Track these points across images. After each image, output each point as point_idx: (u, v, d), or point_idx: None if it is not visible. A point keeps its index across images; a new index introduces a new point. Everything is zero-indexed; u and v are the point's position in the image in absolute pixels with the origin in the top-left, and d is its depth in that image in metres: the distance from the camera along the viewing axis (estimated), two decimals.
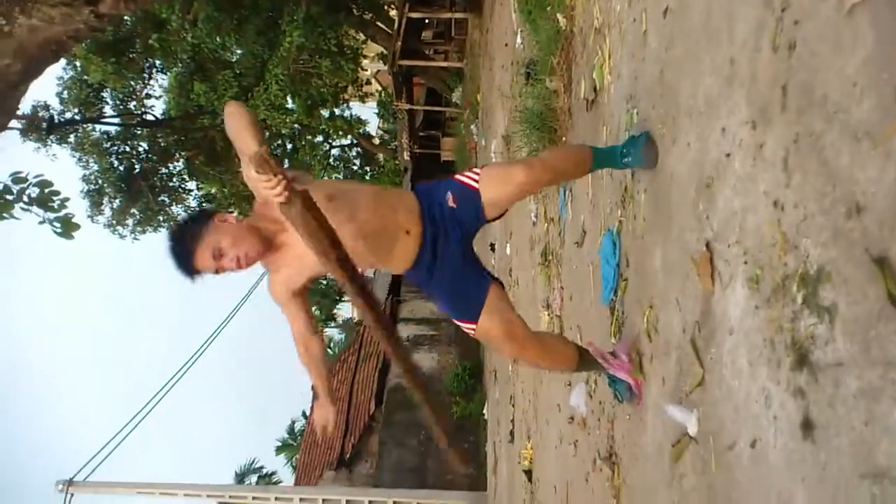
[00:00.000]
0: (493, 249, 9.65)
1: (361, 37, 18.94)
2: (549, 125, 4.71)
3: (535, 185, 2.57)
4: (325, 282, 34.17)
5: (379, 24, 17.91)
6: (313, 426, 2.69)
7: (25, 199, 5.89)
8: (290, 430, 28.32)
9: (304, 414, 26.59)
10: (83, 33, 4.49)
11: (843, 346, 1.31)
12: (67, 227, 6.00)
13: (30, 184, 5.95)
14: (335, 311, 35.20)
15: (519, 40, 6.86)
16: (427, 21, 17.79)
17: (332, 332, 34.90)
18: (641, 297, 2.65)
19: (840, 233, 1.34)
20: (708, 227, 2.00)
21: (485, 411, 10.52)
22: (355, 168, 25.03)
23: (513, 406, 7.35)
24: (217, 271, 2.31)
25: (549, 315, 4.86)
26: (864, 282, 1.26)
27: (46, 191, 5.99)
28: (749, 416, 1.68)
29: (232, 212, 2.50)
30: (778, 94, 1.62)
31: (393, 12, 17.90)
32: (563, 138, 4.62)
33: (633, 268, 2.80)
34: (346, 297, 36.10)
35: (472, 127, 13.43)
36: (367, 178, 26.00)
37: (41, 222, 6.00)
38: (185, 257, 2.28)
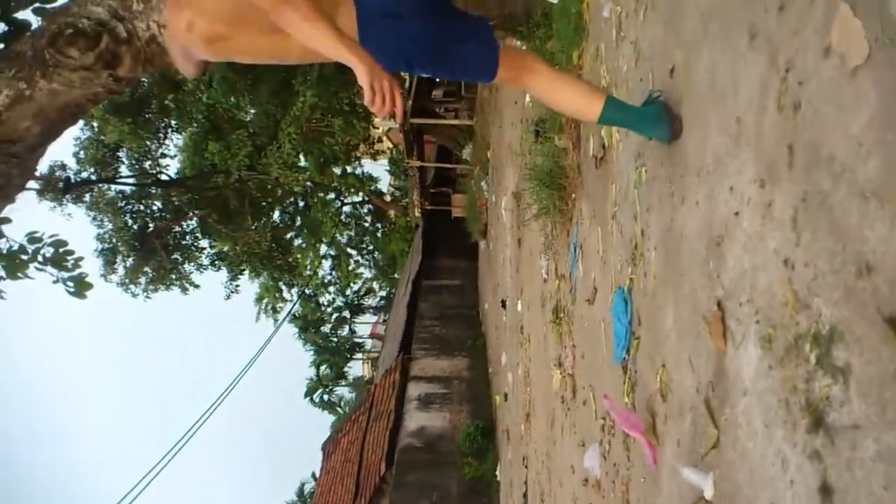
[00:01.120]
0: (504, 306, 9.61)
1: None
2: (559, 182, 4.74)
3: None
4: (335, 339, 34.10)
5: None
6: (370, 102, 2.05)
7: (40, 258, 5.96)
8: (300, 493, 27.94)
9: (313, 475, 26.24)
10: (102, 96, 4.56)
11: (858, 407, 1.29)
12: (80, 287, 6.05)
13: (45, 243, 6.03)
14: (346, 368, 35.01)
15: (528, 99, 6.95)
16: (437, 80, 18.08)
17: (343, 391, 34.67)
18: (654, 355, 2.62)
19: (851, 292, 1.33)
20: (719, 285, 1.99)
21: (497, 472, 10.34)
22: (367, 225, 25.21)
23: (525, 467, 7.22)
24: None
25: (561, 374, 4.82)
26: (878, 342, 1.24)
27: (61, 250, 6.06)
28: (766, 480, 1.65)
29: None
30: (784, 153, 1.63)
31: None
32: (573, 195, 4.64)
33: (645, 326, 2.78)
34: (357, 355, 35.97)
35: (483, 184, 13.53)
36: (379, 235, 26.16)
37: (55, 282, 6.06)
38: None
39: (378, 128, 23.96)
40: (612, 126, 2.90)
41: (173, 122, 18.33)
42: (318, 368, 33.32)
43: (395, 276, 27.79)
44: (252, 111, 17.04)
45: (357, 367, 38.09)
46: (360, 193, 23.78)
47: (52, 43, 4.11)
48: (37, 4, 5.05)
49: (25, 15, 5.02)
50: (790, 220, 1.60)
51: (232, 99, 15.92)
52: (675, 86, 2.48)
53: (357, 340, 35.38)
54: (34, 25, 4.80)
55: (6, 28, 4.85)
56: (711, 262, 2.05)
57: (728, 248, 1.94)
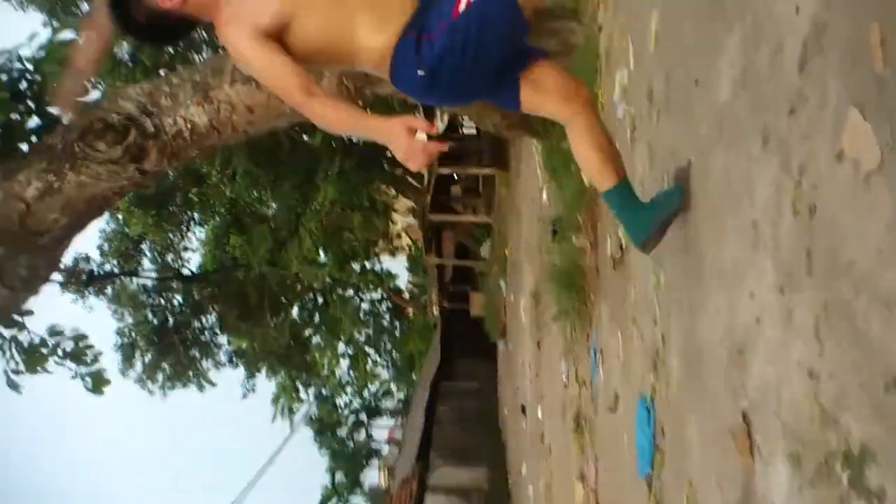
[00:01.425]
0: (524, 412, 9.39)
1: (392, 192, 19.57)
2: (578, 283, 4.70)
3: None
4: (351, 444, 33.44)
5: (409, 179, 18.55)
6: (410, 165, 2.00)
7: (60, 352, 5.97)
8: None
9: None
10: (128, 189, 4.67)
11: None
12: (98, 383, 6.03)
13: (65, 337, 6.05)
14: (361, 475, 34.18)
15: (545, 196, 7.00)
16: (456, 177, 18.39)
17: (358, 501, 33.72)
18: (679, 471, 2.50)
19: (880, 408, 1.25)
20: (743, 396, 1.90)
21: None
22: (385, 323, 25.13)
23: None
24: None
25: (584, 488, 4.63)
26: None
27: (81, 344, 6.07)
28: None
29: None
30: (803, 259, 1.59)
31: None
32: (591, 296, 4.59)
33: (669, 438, 2.67)
34: (373, 462, 35.17)
35: (501, 282, 13.52)
36: (397, 334, 26.01)
37: (73, 377, 6.05)
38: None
39: (397, 223, 24.26)
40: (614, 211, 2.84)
41: (196, 215, 18.64)
42: (332, 475, 32.53)
43: (414, 376, 27.49)
44: (274, 205, 17.32)
45: (373, 476, 37.19)
46: (379, 290, 23.83)
47: (83, 136, 4.24)
48: None
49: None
50: (812, 329, 1.53)
51: (255, 192, 16.21)
52: (690, 187, 2.46)
53: (374, 447, 34.67)
54: (65, 119, 4.97)
55: (39, 121, 5.01)
56: (734, 371, 1.97)
57: (751, 358, 1.86)
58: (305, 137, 13.78)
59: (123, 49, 14.52)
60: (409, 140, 1.96)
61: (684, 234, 2.50)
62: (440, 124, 17.29)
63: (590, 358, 4.56)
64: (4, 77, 4.74)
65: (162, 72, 14.08)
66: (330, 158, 14.40)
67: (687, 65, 2.50)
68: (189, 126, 4.25)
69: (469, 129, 16.98)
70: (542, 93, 2.23)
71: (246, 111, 4.26)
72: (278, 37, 2.02)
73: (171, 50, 14.90)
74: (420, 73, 2.06)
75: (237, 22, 2.03)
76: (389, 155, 18.07)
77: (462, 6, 2.01)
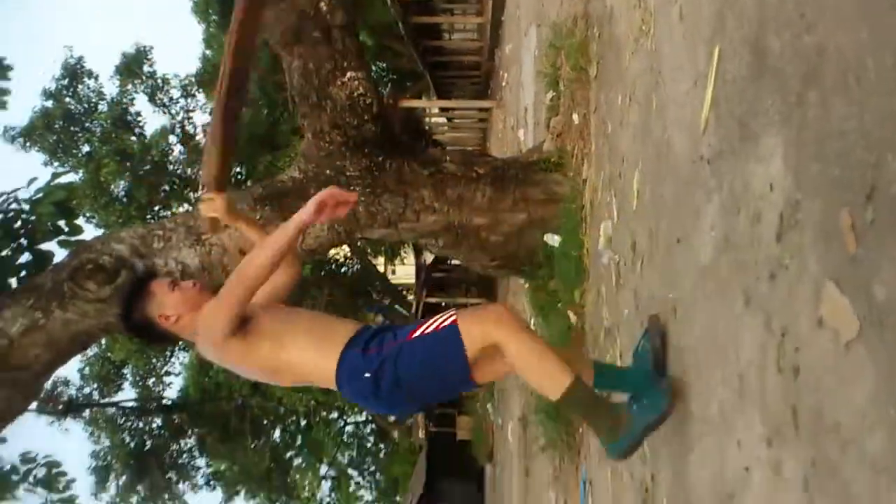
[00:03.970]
0: None
1: (380, 319, 19.59)
2: (565, 417, 4.70)
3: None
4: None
5: (398, 307, 18.65)
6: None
7: (31, 479, 5.83)
8: None
9: None
10: (113, 326, 4.69)
11: None
12: None
13: (38, 464, 5.92)
14: None
15: (532, 322, 7.05)
16: (444, 305, 18.50)
17: None
18: None
19: None
20: None
21: None
22: (369, 445, 24.57)
23: None
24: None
25: None
26: None
27: (53, 472, 5.93)
28: None
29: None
30: (789, 415, 1.64)
31: (411, 297, 18.73)
32: (580, 428, 4.57)
33: None
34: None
35: (489, 406, 13.38)
36: (382, 456, 25.38)
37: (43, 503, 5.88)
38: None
39: None
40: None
41: (180, 342, 18.50)
42: None
43: (398, 499, 26.60)
44: None
45: None
46: (364, 413, 23.43)
47: (73, 276, 4.30)
48: (61, 237, 5.33)
49: (50, 246, 5.28)
50: (801, 483, 1.57)
51: None
52: (673, 334, 2.54)
53: None
54: (56, 256, 5.03)
55: (30, 257, 5.07)
56: None
57: None
58: None
59: (120, 186, 14.87)
60: (319, 198, 2.31)
61: (673, 379, 2.55)
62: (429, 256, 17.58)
63: (580, 490, 4.50)
64: (0, 216, 4.85)
65: (157, 208, 14.37)
66: (319, 287, 14.56)
67: (669, 223, 2.63)
68: (180, 268, 4.33)
69: (457, 261, 17.27)
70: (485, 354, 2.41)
71: (238, 254, 4.36)
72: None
73: (166, 188, 15.28)
74: (366, 375, 2.37)
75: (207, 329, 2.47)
76: (377, 284, 18.36)
77: (417, 332, 2.38)
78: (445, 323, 2.36)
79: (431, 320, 2.40)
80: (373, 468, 27.06)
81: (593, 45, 4.43)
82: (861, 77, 1.39)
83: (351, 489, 28.16)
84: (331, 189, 2.35)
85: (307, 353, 2.43)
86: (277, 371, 2.49)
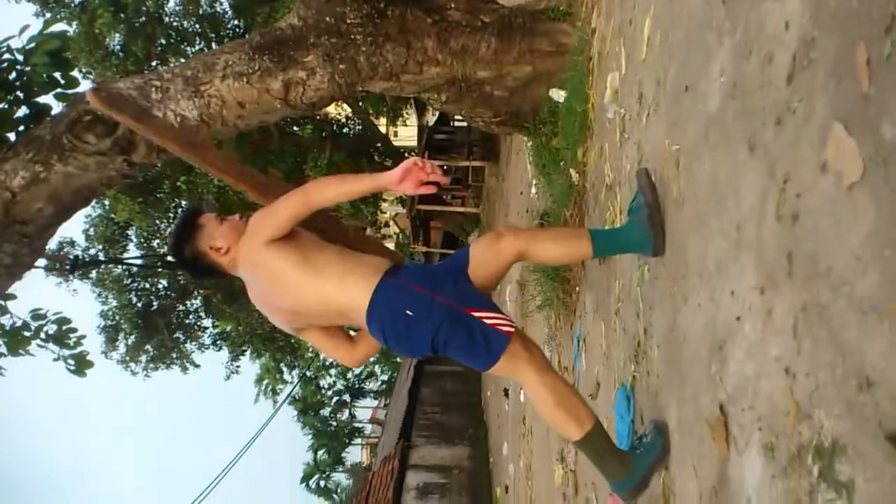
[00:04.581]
0: (506, 395, 9.51)
1: None
2: (563, 275, 4.77)
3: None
4: (334, 423, 33.40)
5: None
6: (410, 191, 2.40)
7: (43, 335, 5.98)
8: None
9: None
10: (115, 180, 4.68)
11: None
12: (81, 365, 6.04)
13: (48, 321, 6.06)
14: (344, 454, 34.28)
15: (534, 191, 7.07)
16: (445, 168, 18.43)
17: (340, 478, 33.85)
18: None
19: (853, 406, 1.33)
20: (721, 389, 1.98)
21: None
22: None
23: None
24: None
25: (563, 468, 4.73)
26: (881, 459, 1.24)
27: (64, 328, 6.08)
28: None
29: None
30: (784, 262, 1.66)
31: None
32: (577, 288, 4.66)
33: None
34: (356, 440, 35.22)
35: None
36: None
37: (56, 359, 6.06)
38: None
39: (385, 213, 24.23)
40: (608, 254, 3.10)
41: (184, 203, 18.58)
42: (315, 453, 32.63)
43: (398, 359, 27.53)
44: None
45: (356, 453, 37.30)
46: None
47: (71, 128, 4.24)
48: (58, 90, 5.22)
49: (47, 99, 5.19)
50: (791, 329, 1.61)
51: None
52: (675, 186, 2.54)
53: (356, 425, 34.76)
54: (55, 110, 4.95)
55: (27, 111, 5.00)
56: (714, 365, 2.05)
57: (730, 353, 1.94)
58: (296, 129, 13.76)
59: (115, 39, 14.40)
60: (406, 166, 2.33)
61: (670, 233, 2.58)
62: (431, 118, 17.29)
63: (573, 346, 4.65)
64: None
65: (154, 63, 13.99)
66: (319, 149, 14.42)
67: (678, 71, 2.55)
68: (179, 120, 4.25)
69: (460, 121, 17.01)
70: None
71: (237, 106, 4.27)
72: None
73: (162, 41, 14.79)
74: (409, 312, 2.42)
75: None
76: (380, 146, 18.19)
77: (477, 314, 2.42)
78: (502, 329, 2.41)
79: (495, 313, 2.43)
80: None
81: None
82: None
83: None
84: (422, 160, 2.35)
85: (337, 274, 2.46)
86: (298, 293, 2.50)
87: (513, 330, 2.43)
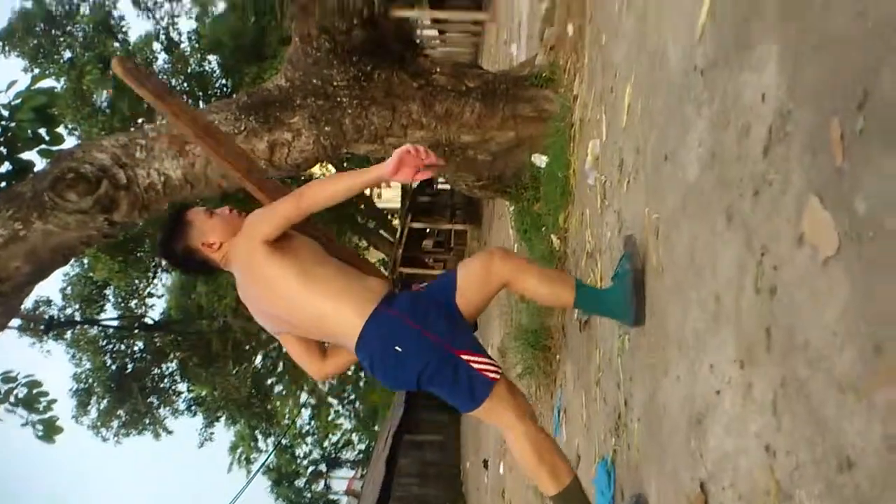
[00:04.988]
0: (486, 467, 9.33)
1: (364, 243, 19.60)
2: (544, 343, 4.73)
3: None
4: (309, 494, 32.54)
5: (382, 232, 18.62)
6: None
7: (12, 399, 5.84)
8: None
9: None
10: (95, 239, 4.63)
11: None
12: (50, 431, 5.89)
13: (18, 384, 5.92)
14: None
15: (516, 251, 7.07)
16: (428, 231, 18.50)
17: None
18: None
19: (833, 487, 1.29)
20: (701, 465, 1.94)
21: None
22: (349, 374, 24.86)
23: None
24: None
25: None
26: None
27: (35, 391, 5.94)
28: None
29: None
30: (763, 336, 1.64)
31: (396, 221, 18.68)
32: (557, 356, 4.62)
33: (628, 502, 2.69)
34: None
35: None
36: (361, 385, 25.73)
37: (24, 424, 5.91)
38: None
39: None
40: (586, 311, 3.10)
41: (163, 262, 18.46)
42: None
43: (376, 428, 27.10)
44: None
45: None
46: None
47: (53, 186, 4.22)
48: (42, 146, 5.22)
49: (31, 155, 5.18)
50: (770, 405, 1.58)
51: None
52: (654, 254, 2.54)
53: (332, 497, 33.92)
54: (37, 166, 4.94)
55: (10, 167, 4.98)
56: (693, 439, 2.01)
57: (710, 427, 1.90)
58: None
59: (102, 95, 14.51)
60: (400, 154, 2.30)
61: (650, 303, 2.56)
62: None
63: (553, 417, 4.58)
64: None
65: (140, 121, 14.08)
66: None
67: (657, 139, 2.58)
68: (162, 179, 4.25)
69: (443, 184, 17.19)
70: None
71: (222, 162, 4.27)
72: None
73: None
74: (398, 348, 2.40)
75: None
76: (362, 206, 18.27)
77: (466, 357, 2.40)
78: (489, 374, 2.40)
79: (484, 358, 2.43)
80: (352, 397, 27.42)
81: None
82: None
83: (330, 417, 28.58)
84: (416, 147, 2.32)
85: (334, 294, 2.42)
86: (292, 304, 2.46)
87: (498, 377, 2.40)
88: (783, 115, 1.60)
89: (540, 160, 4.70)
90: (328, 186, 2.41)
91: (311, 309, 2.43)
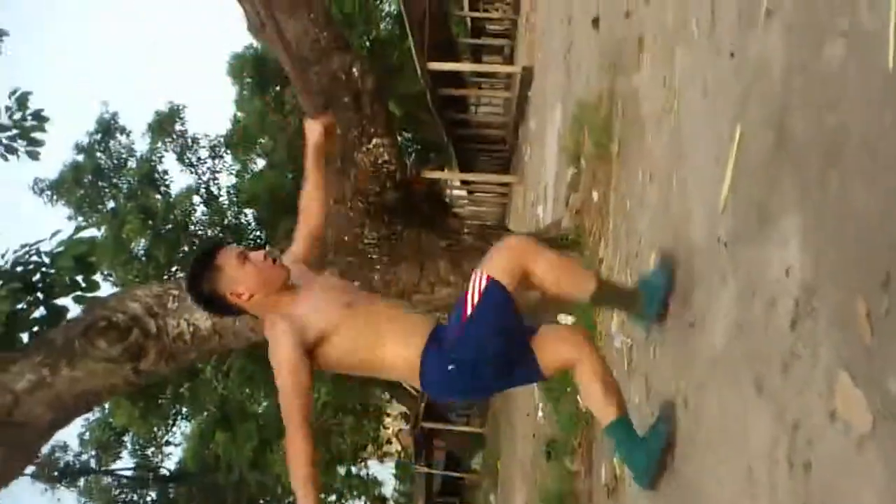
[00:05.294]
0: None
1: (386, 395, 19.35)
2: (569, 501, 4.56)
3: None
4: None
5: (405, 385, 18.44)
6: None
7: None
8: None
9: None
10: (120, 388, 4.65)
11: None
12: None
13: None
14: None
15: (540, 415, 6.94)
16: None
17: None
18: None
19: None
20: None
21: None
22: None
23: None
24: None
25: None
26: None
27: None
28: None
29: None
30: None
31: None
32: None
33: None
34: None
35: (491, 497, 13.04)
36: None
37: None
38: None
39: (388, 428, 23.72)
40: (615, 446, 2.94)
41: (184, 410, 18.28)
42: None
43: None
44: (264, 403, 17.05)
45: None
46: (363, 497, 22.86)
47: (85, 333, 4.28)
48: (77, 293, 5.33)
49: (65, 301, 5.28)
50: None
51: (247, 390, 16.02)
52: (684, 421, 2.48)
53: None
54: (71, 311, 5.02)
55: (45, 312, 5.07)
56: None
57: None
58: None
59: (140, 244, 15.00)
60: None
61: (681, 468, 2.49)
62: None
63: None
64: (20, 268, 4.87)
65: (175, 268, 14.47)
66: (319, 378, 14.48)
67: (683, 306, 2.60)
68: (191, 329, 4.31)
69: None
70: (554, 353, 2.46)
71: (250, 316, 4.34)
72: (314, 347, 2.34)
73: (185, 248, 15.41)
74: (450, 367, 2.36)
75: (290, 323, 2.31)
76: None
77: (469, 310, 2.38)
78: (482, 285, 2.40)
79: (470, 291, 2.42)
80: None
81: (617, 123, 4.48)
82: (882, 159, 1.39)
83: None
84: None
85: (393, 351, 2.40)
86: (351, 365, 2.47)
87: (486, 272, 2.44)
88: (808, 290, 1.62)
89: (566, 320, 4.72)
90: (300, 457, 2.34)
91: (376, 367, 2.48)
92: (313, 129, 2.78)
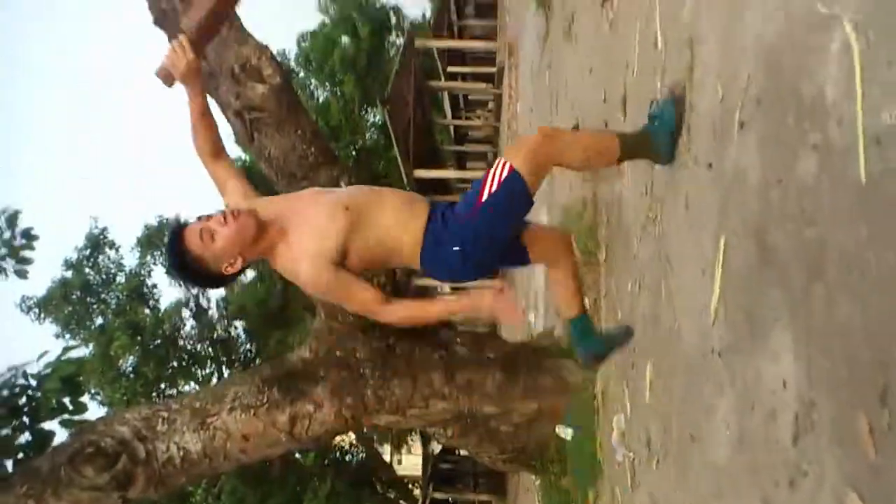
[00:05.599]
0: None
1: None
2: None
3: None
4: None
5: (402, 502, 17.89)
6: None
7: None
8: None
9: None
10: None
11: None
12: None
13: None
14: None
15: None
16: (451, 501, 17.71)
17: None
18: None
19: None
20: None
21: None
22: None
23: None
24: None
25: None
26: None
27: None
28: None
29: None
30: None
31: (417, 491, 18.02)
32: None
33: None
34: None
35: None
36: None
37: None
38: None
39: None
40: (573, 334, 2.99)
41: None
42: None
43: None
44: None
45: None
46: None
47: (71, 460, 4.15)
48: (65, 416, 5.20)
49: (51, 424, 5.14)
50: None
51: None
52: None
53: None
54: (58, 436, 4.88)
55: (30, 438, 4.93)
56: None
57: None
58: (297, 455, 13.60)
59: (128, 360, 14.78)
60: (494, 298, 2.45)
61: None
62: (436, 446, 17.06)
63: None
64: (5, 392, 4.78)
65: (163, 385, 14.20)
66: (321, 478, 14.10)
67: (683, 418, 2.55)
68: (181, 453, 4.20)
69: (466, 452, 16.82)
70: (543, 250, 2.72)
71: (241, 439, 4.24)
72: (343, 258, 2.36)
73: (174, 363, 15.18)
74: (455, 248, 2.43)
75: (307, 258, 2.33)
76: (382, 477, 17.68)
77: (485, 196, 2.40)
78: (503, 174, 2.40)
79: (490, 177, 2.42)
80: None
81: (602, 230, 4.52)
82: (863, 273, 1.40)
83: None
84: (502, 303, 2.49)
85: (395, 233, 2.43)
86: (373, 260, 2.47)
87: (508, 161, 2.41)
88: (806, 403, 1.60)
89: (565, 432, 4.63)
90: (394, 315, 2.43)
91: (383, 247, 2.46)
92: (179, 57, 2.38)
